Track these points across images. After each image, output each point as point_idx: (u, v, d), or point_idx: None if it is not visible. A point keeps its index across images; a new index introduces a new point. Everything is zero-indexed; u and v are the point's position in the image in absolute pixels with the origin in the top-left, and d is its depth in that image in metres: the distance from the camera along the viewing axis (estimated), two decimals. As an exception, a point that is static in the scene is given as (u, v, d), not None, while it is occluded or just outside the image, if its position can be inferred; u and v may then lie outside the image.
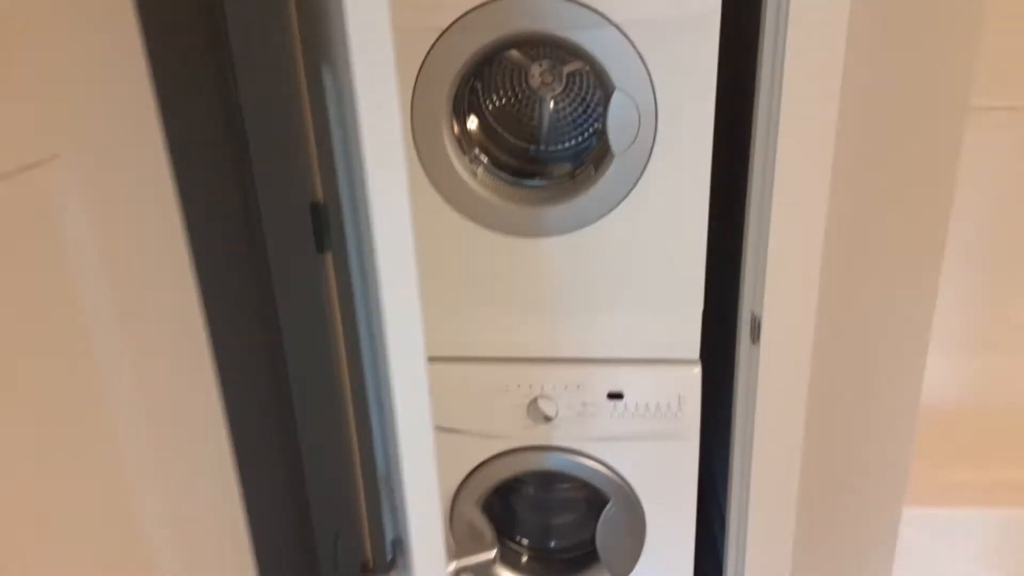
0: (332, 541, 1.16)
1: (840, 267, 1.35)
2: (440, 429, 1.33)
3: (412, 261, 0.65)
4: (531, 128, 1.48)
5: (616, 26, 1.20)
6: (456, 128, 1.35)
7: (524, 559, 1.70)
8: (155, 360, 0.64)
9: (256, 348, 1.21)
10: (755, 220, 1.32)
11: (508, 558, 1.68)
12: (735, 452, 1.50)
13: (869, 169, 1.30)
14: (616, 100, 1.23)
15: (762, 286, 1.30)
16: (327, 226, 1.27)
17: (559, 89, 1.44)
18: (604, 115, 1.24)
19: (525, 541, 1.73)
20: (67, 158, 0.52)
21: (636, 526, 1.54)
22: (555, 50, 1.39)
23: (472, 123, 1.43)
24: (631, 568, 1.58)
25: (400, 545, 0.83)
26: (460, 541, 1.46)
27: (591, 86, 1.43)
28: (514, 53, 1.40)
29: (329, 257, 1.31)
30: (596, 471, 1.49)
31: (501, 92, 1.46)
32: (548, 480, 1.72)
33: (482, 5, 1.20)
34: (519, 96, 1.46)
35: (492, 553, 0.82)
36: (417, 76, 1.25)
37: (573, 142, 1.49)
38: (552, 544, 1.73)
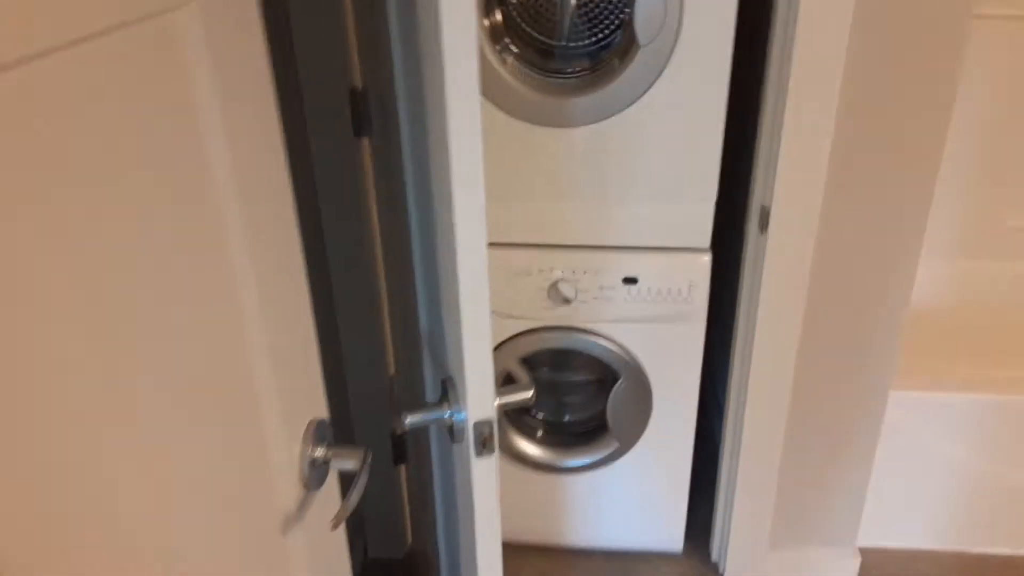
0: (387, 385, 1.29)
1: (844, 166, 1.43)
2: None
3: (479, 149, 0.74)
4: (553, 23, 1.53)
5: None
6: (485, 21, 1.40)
7: (540, 433, 1.85)
8: (258, 208, 0.74)
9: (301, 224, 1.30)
10: (769, 114, 1.39)
11: (525, 431, 1.84)
12: (738, 334, 1.62)
13: (875, 74, 1.36)
14: (643, -7, 1.28)
15: (773, 178, 1.38)
16: (366, 112, 1.35)
17: (584, -16, 1.49)
18: (632, 4, 1.29)
19: (541, 415, 1.88)
20: (198, 6, 0.59)
21: (644, 400, 1.68)
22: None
23: (497, 17, 1.49)
24: (638, 437, 1.73)
25: (450, 383, 0.95)
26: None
27: (616, -19, 1.47)
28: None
29: (366, 142, 1.40)
30: (609, 350, 1.62)
31: (527, -14, 1.51)
32: (563, 361, 1.85)
33: None
34: (545, -10, 1.51)
35: (530, 392, 0.94)
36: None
37: (594, 39, 1.54)
38: (567, 418, 1.88)
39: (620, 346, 1.62)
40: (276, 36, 1.26)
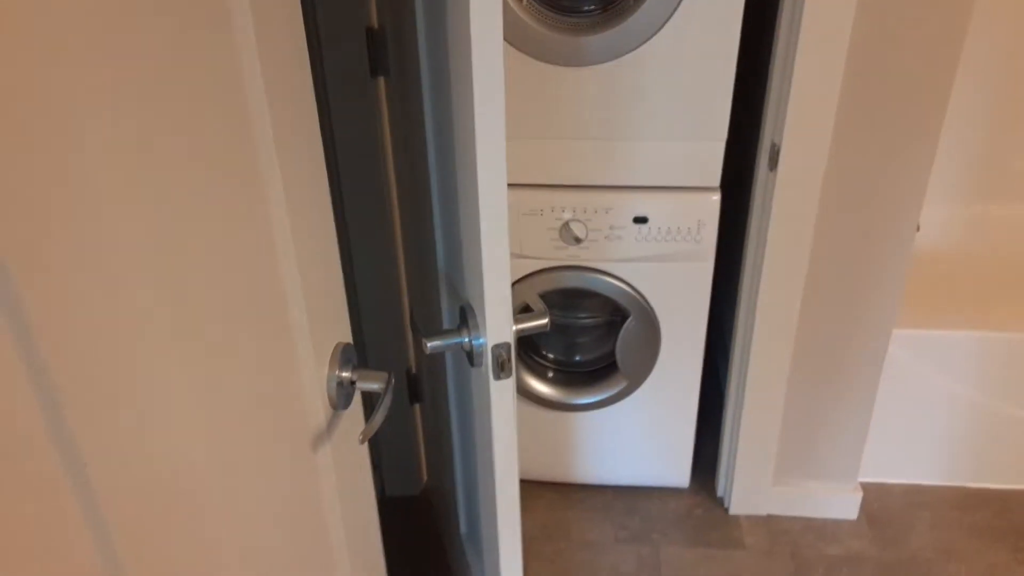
0: (402, 324, 1.33)
1: (853, 104, 1.44)
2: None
3: (502, 89, 0.76)
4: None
5: None
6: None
7: (550, 374, 1.90)
8: (290, 135, 0.77)
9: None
10: (782, 52, 1.40)
11: (536, 371, 1.88)
12: (745, 273, 1.65)
13: (886, 13, 1.37)
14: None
15: (783, 115, 1.40)
16: (383, 51, 1.37)
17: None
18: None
19: (551, 355, 1.92)
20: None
21: (652, 338, 1.72)
22: None
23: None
24: (646, 376, 1.78)
25: (469, 310, 0.99)
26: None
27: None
28: None
29: (382, 81, 1.41)
30: (620, 288, 1.65)
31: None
32: (574, 303, 1.89)
33: None
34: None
35: (545, 319, 0.98)
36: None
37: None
38: (577, 359, 1.93)
39: (630, 285, 1.65)
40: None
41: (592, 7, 1.50)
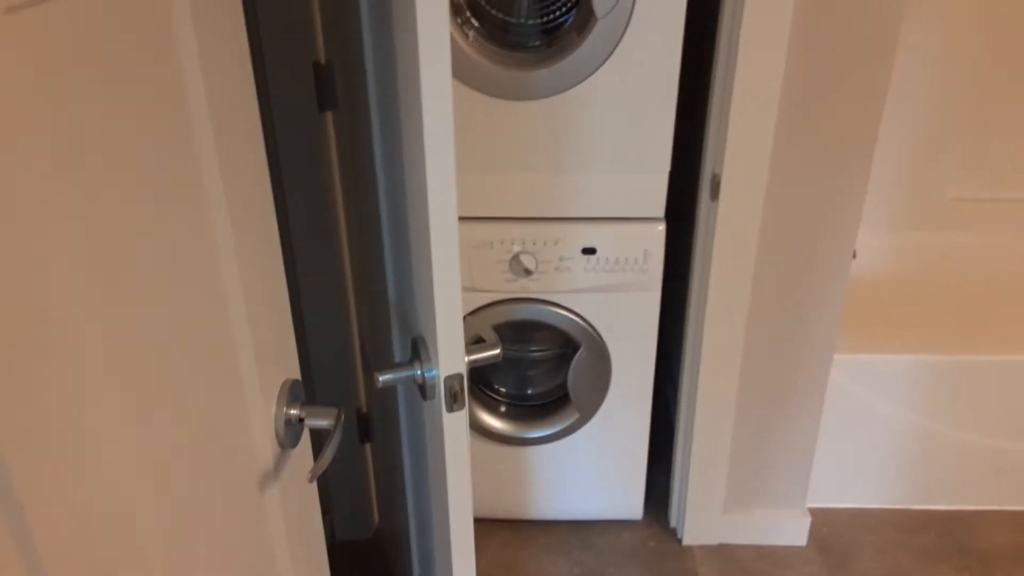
0: (353, 363, 1.31)
1: (789, 136, 1.49)
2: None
3: (450, 123, 0.77)
4: (512, 0, 1.57)
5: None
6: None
7: (503, 408, 1.89)
8: (236, 169, 0.75)
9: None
10: (719, 86, 1.45)
11: (489, 405, 1.87)
12: (691, 301, 1.68)
13: (817, 48, 1.43)
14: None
15: (723, 147, 1.44)
16: (330, 86, 1.36)
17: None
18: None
19: (503, 389, 1.91)
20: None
21: (603, 369, 1.73)
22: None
23: (457, -7, 1.51)
24: (598, 407, 1.78)
25: (421, 342, 0.97)
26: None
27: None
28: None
29: (330, 116, 1.41)
30: (570, 319, 1.66)
31: (484, -36, 1.54)
32: (525, 336, 1.89)
33: None
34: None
35: (497, 350, 0.97)
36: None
37: (551, 16, 1.58)
38: (529, 392, 1.92)
39: (580, 316, 1.66)
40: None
41: (537, 42, 1.53)
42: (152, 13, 0.59)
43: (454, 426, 0.96)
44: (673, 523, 1.99)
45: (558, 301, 1.65)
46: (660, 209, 1.58)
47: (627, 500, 1.95)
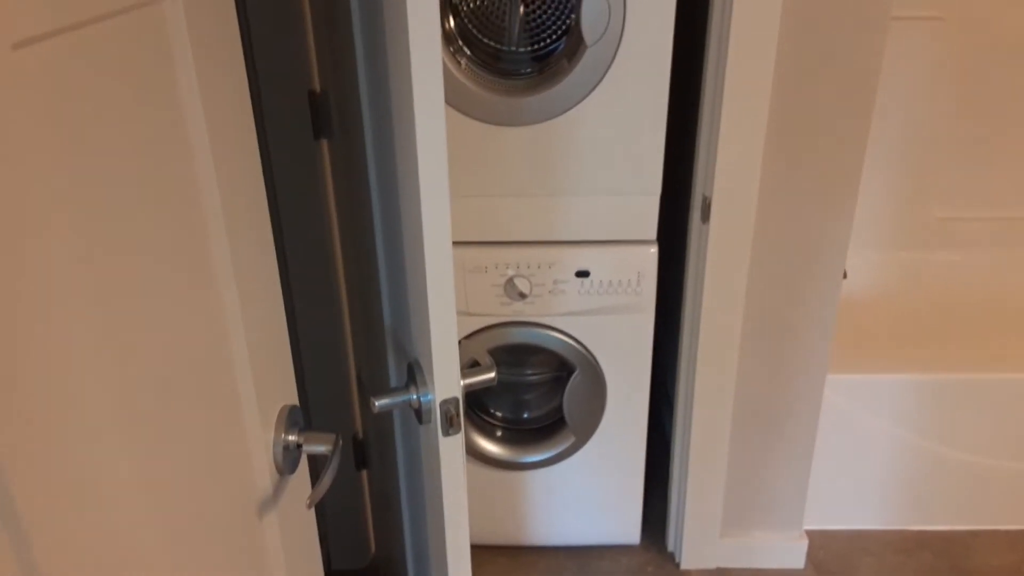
0: (349, 390, 1.32)
1: (777, 158, 1.52)
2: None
3: (444, 151, 0.78)
4: (503, 30, 1.59)
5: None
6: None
7: (499, 432, 1.89)
8: (236, 198, 0.76)
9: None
10: (708, 110, 1.47)
11: (485, 430, 1.87)
12: (684, 323, 1.69)
13: (804, 73, 1.46)
14: (588, -4, 1.35)
15: (713, 170, 1.46)
16: (325, 114, 1.38)
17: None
18: (578, 8, 1.36)
19: (499, 414, 1.91)
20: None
21: (598, 392, 1.73)
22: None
23: (450, 22, 1.54)
24: (594, 430, 1.78)
25: (417, 366, 0.98)
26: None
27: (560, -11, 1.54)
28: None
29: (325, 144, 1.42)
30: (565, 343, 1.67)
31: (476, -6, 1.57)
32: (520, 360, 1.89)
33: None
34: (493, -1, 1.57)
35: (492, 373, 0.98)
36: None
37: (541, 44, 1.61)
38: (525, 416, 1.92)
39: (575, 339, 1.67)
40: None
41: (528, 69, 1.55)
42: (154, 49, 0.61)
43: (450, 450, 0.96)
44: (671, 547, 1.98)
45: (553, 324, 1.66)
46: (652, 232, 1.59)
47: (625, 524, 1.94)
